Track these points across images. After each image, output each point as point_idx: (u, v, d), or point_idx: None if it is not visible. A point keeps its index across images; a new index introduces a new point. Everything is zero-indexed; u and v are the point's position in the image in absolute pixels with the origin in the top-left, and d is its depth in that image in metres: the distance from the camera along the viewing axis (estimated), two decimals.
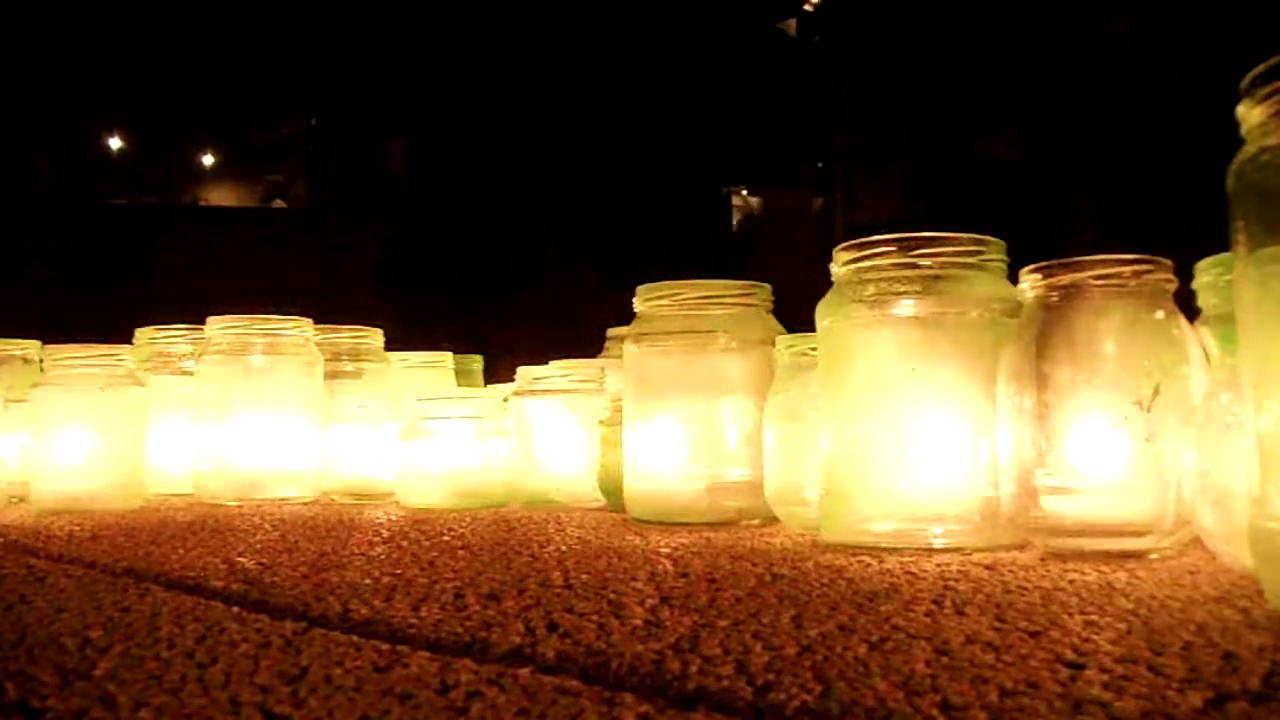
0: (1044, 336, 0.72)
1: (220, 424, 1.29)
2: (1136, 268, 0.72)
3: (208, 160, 6.24)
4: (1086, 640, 0.46)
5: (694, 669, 0.43)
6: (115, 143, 5.67)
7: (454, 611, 0.56)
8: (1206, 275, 0.70)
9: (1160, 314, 0.71)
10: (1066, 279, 0.73)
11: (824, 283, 0.84)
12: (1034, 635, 0.47)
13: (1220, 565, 0.65)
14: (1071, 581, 0.62)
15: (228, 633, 0.52)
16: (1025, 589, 0.60)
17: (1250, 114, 0.51)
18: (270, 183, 5.92)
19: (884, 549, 0.76)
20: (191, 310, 1.42)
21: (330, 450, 1.32)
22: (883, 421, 0.78)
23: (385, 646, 0.48)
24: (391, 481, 1.26)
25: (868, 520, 0.78)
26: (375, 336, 1.49)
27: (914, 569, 0.68)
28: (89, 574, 0.73)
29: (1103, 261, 0.72)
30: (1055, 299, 0.73)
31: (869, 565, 0.70)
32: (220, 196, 6.13)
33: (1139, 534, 0.69)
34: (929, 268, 0.78)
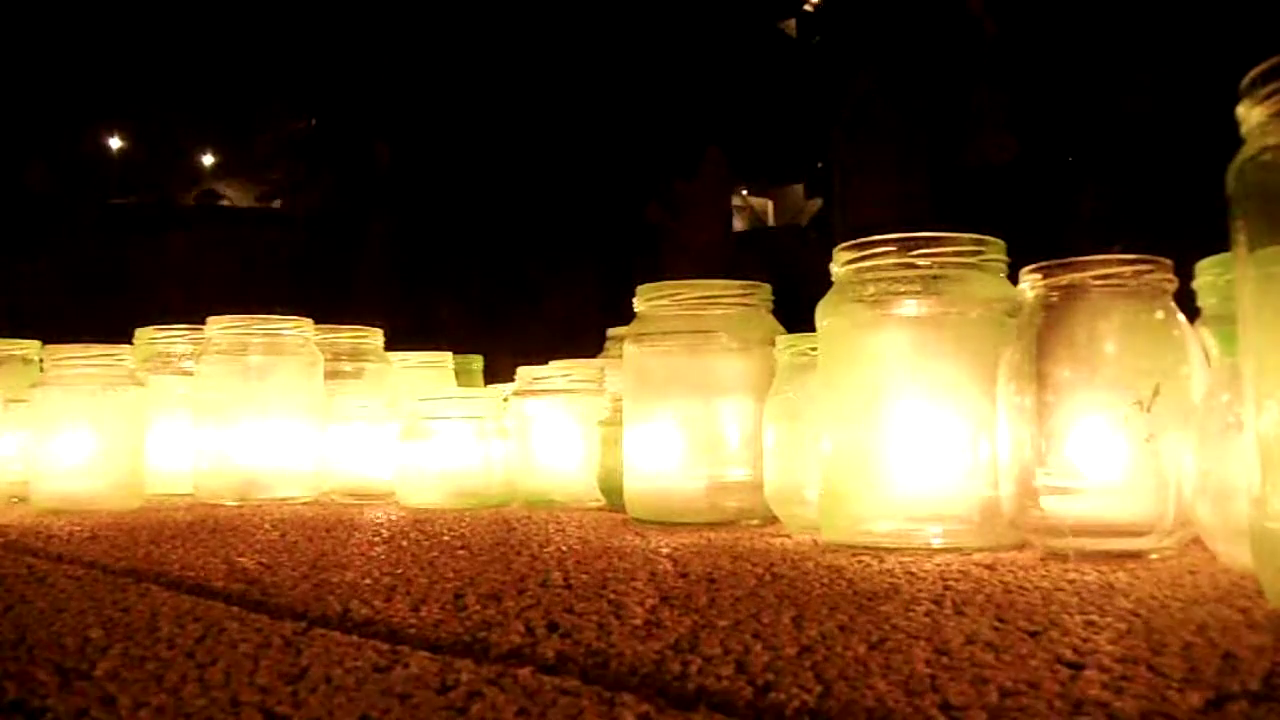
0: (1044, 336, 0.72)
1: (220, 424, 1.29)
2: (1136, 268, 0.72)
3: (207, 160, 6.24)
4: (1086, 640, 0.46)
5: (694, 669, 0.43)
6: (115, 143, 5.67)
7: (454, 611, 0.56)
8: (1206, 275, 0.70)
9: (1160, 314, 0.71)
10: (1066, 279, 0.73)
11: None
12: (1034, 635, 0.47)
13: (1220, 565, 0.65)
14: (1071, 581, 0.62)
15: (228, 633, 0.52)
16: (1025, 589, 0.60)
17: (1250, 114, 0.51)
18: (270, 183, 5.92)
19: (884, 549, 0.76)
20: (191, 310, 1.42)
21: (330, 450, 1.32)
22: (883, 421, 0.78)
23: (385, 646, 0.48)
24: (391, 481, 1.26)
25: (868, 520, 0.78)
26: (375, 336, 1.49)
27: (914, 569, 0.68)
28: (89, 574, 0.73)
29: (1103, 261, 0.72)
30: (1055, 299, 0.73)
31: (869, 565, 0.70)
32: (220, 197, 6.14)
33: (1139, 534, 0.69)
34: (929, 268, 0.78)
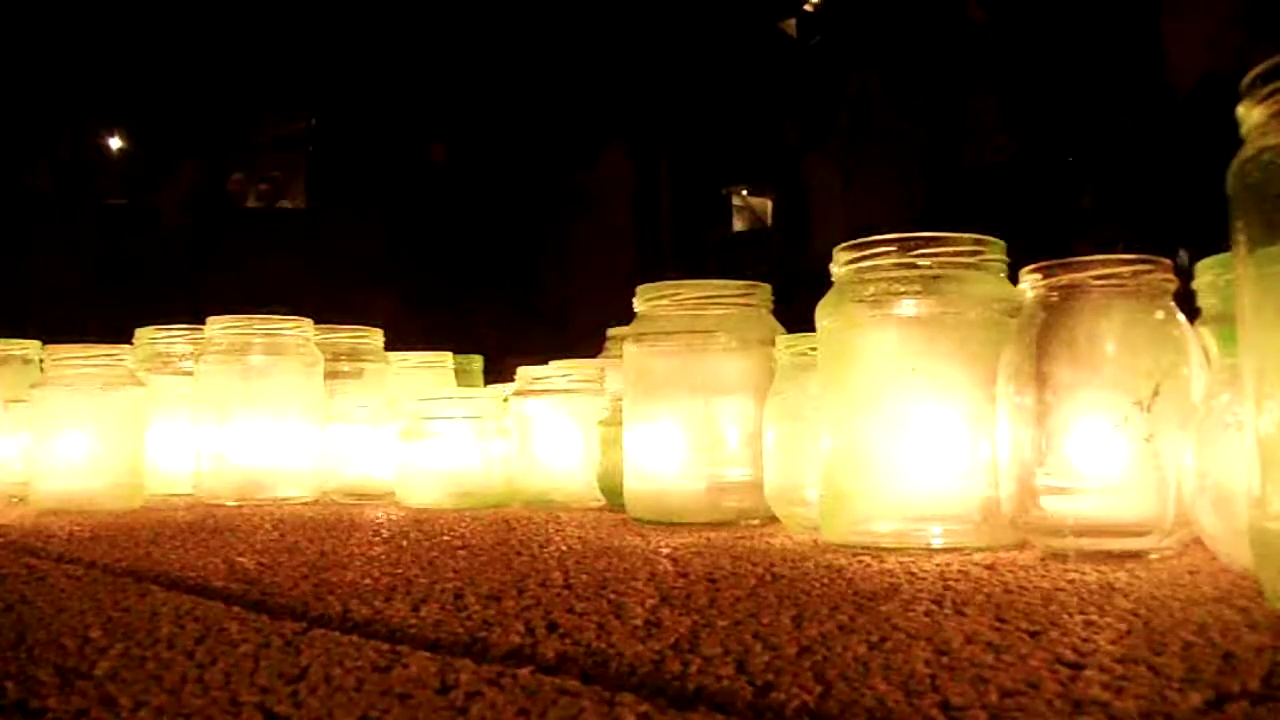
0: (1044, 336, 0.72)
1: (220, 424, 1.29)
2: (1136, 268, 0.72)
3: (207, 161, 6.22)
4: (1086, 640, 0.46)
5: (694, 669, 0.43)
6: (115, 143, 5.66)
7: (454, 611, 0.56)
8: (1206, 275, 0.69)
9: (1160, 314, 0.71)
10: (1066, 279, 0.73)
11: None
12: (1034, 635, 0.47)
13: (1220, 565, 0.65)
14: (1071, 581, 0.62)
15: (228, 633, 0.52)
16: (1025, 589, 0.60)
17: (1250, 114, 0.51)
18: (270, 182, 5.91)
19: (884, 549, 0.76)
20: (192, 310, 1.42)
21: (330, 450, 1.32)
22: (883, 421, 0.78)
23: (385, 646, 0.48)
24: (391, 481, 1.26)
25: (868, 520, 0.78)
26: (375, 336, 1.49)
27: (914, 569, 0.68)
28: (89, 574, 0.73)
29: (1103, 261, 0.72)
30: (1055, 299, 0.73)
31: (869, 565, 0.70)
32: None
33: (1139, 534, 0.69)
34: (929, 268, 0.78)
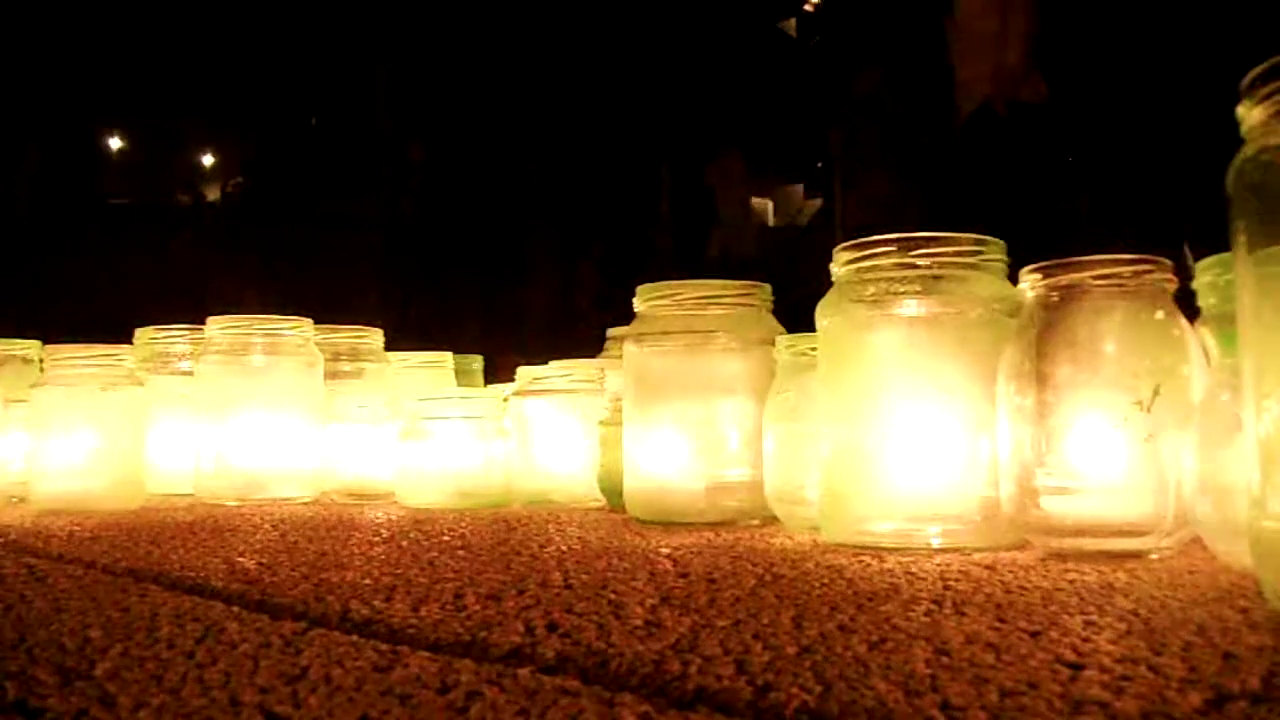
0: (1044, 336, 0.72)
1: (220, 424, 1.29)
2: (1136, 268, 0.72)
3: (208, 160, 6.24)
4: (1086, 640, 0.46)
5: (694, 669, 0.43)
6: (115, 143, 5.67)
7: (454, 611, 0.56)
8: (1206, 275, 0.70)
9: (1160, 314, 0.71)
10: (1066, 279, 0.73)
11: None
12: (1034, 635, 0.47)
13: (1220, 565, 0.65)
14: (1071, 581, 0.62)
15: (228, 633, 0.52)
16: (1025, 589, 0.60)
17: (1250, 114, 0.51)
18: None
19: (884, 549, 0.76)
20: (192, 310, 1.42)
21: (330, 450, 1.32)
22: (883, 421, 0.78)
23: (385, 646, 0.48)
24: (391, 481, 1.26)
25: (868, 520, 0.78)
26: (375, 336, 1.49)
27: (914, 569, 0.68)
28: (89, 574, 0.73)
29: (1103, 261, 0.72)
30: (1055, 299, 0.73)
31: (869, 565, 0.70)
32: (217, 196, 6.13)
33: (1139, 534, 0.69)
34: (929, 268, 0.78)
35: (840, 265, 0.83)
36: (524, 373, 1.29)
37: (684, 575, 0.67)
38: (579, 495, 1.19)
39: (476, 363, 1.70)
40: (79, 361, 1.23)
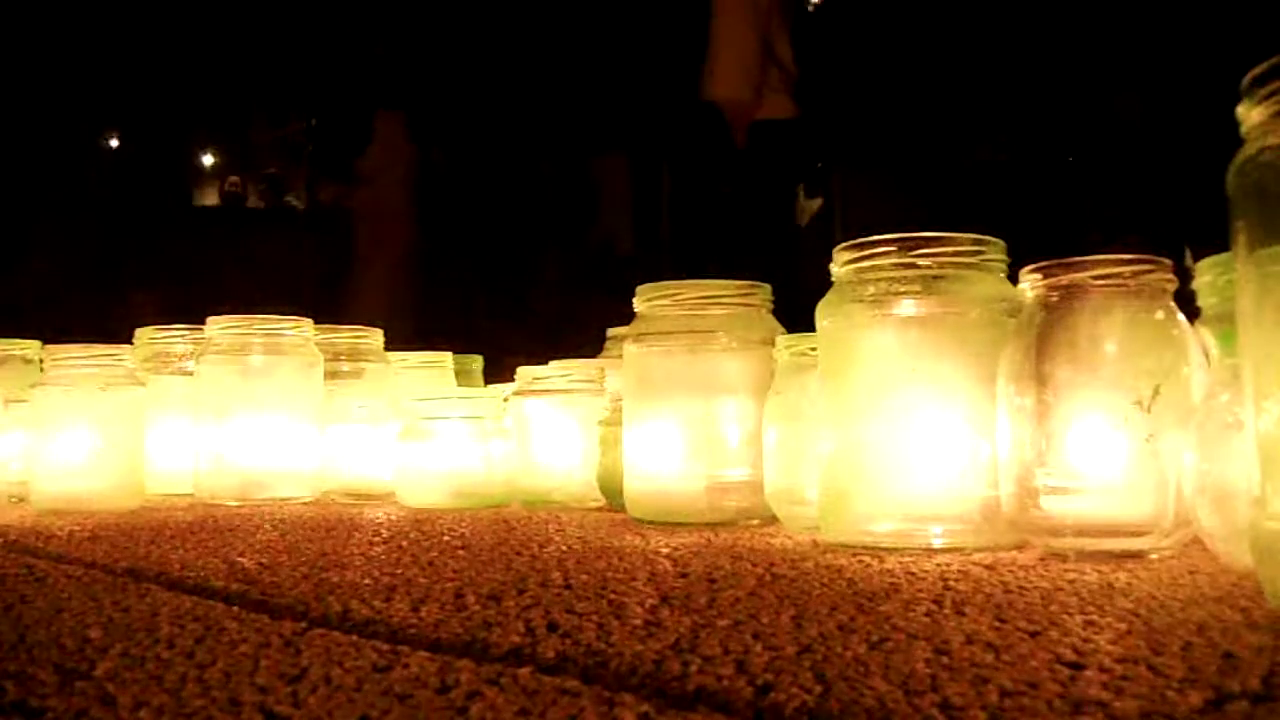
0: (1044, 336, 0.72)
1: (220, 424, 1.29)
2: (1136, 268, 0.72)
3: (208, 160, 6.25)
4: (1086, 640, 0.46)
5: (694, 669, 0.43)
6: (115, 143, 5.67)
7: (454, 611, 0.56)
8: (1206, 275, 0.70)
9: (1160, 314, 0.71)
10: (1066, 279, 0.73)
11: None
12: (1034, 635, 0.47)
13: (1220, 565, 0.65)
14: (1071, 581, 0.62)
15: (228, 633, 0.52)
16: (1025, 589, 0.60)
17: (1250, 114, 0.51)
18: (271, 182, 5.92)
19: (884, 549, 0.76)
20: (193, 310, 1.42)
21: (330, 450, 1.32)
22: (883, 421, 0.78)
23: (385, 646, 0.48)
24: (391, 481, 1.26)
25: (868, 520, 0.78)
26: (375, 336, 1.49)
27: (914, 569, 0.68)
28: (89, 574, 0.73)
29: (1103, 261, 0.72)
30: (1055, 299, 0.73)
31: (869, 565, 0.70)
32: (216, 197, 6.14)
33: (1139, 534, 0.69)
34: (929, 268, 0.78)
35: (840, 265, 0.83)
36: (524, 373, 1.29)
37: (684, 575, 0.67)
38: (579, 495, 1.19)
39: (476, 363, 1.70)
40: (79, 361, 1.23)
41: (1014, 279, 0.78)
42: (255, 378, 1.31)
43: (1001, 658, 0.43)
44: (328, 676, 0.43)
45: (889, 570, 0.68)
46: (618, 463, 1.05)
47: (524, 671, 0.43)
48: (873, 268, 0.80)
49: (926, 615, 0.53)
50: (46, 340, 1.39)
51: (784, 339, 0.95)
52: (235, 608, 0.59)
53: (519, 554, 0.79)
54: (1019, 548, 0.76)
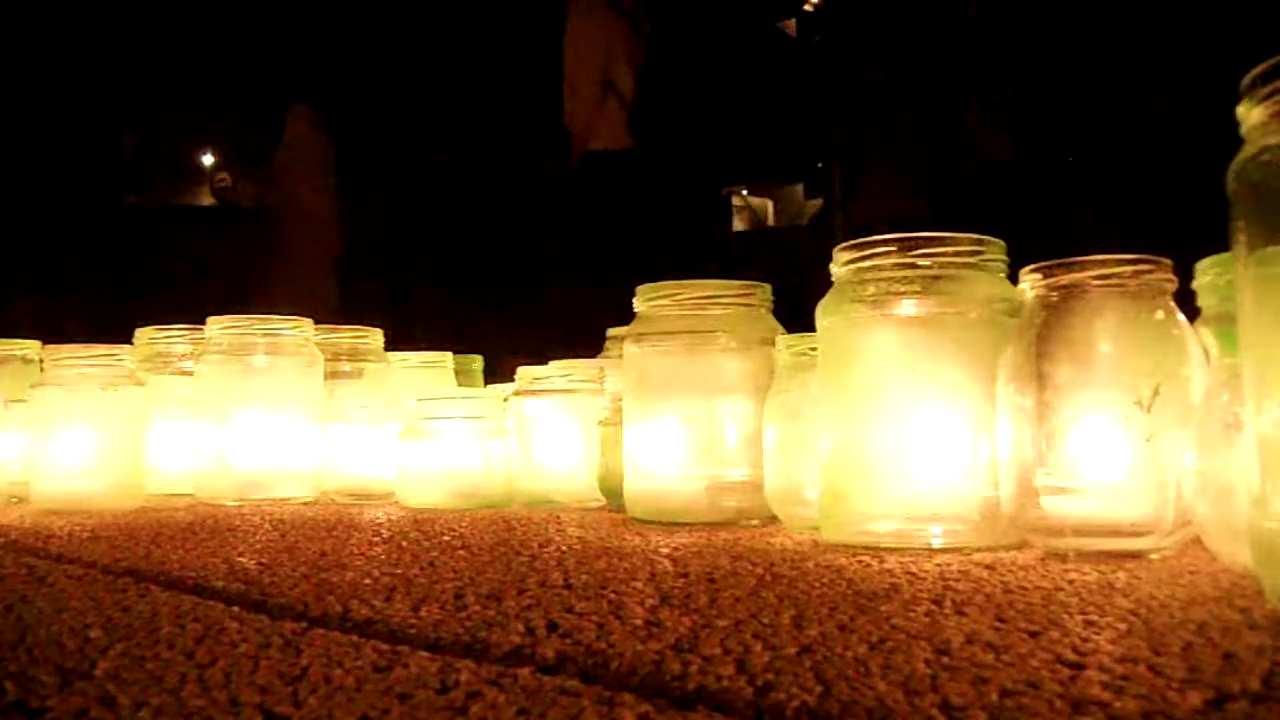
0: (1044, 336, 0.72)
1: (220, 424, 1.29)
2: (1136, 268, 0.72)
3: (208, 160, 6.24)
4: (1086, 640, 0.46)
5: (694, 669, 0.43)
6: (116, 143, 5.67)
7: (454, 611, 0.56)
8: (1206, 275, 0.70)
9: (1160, 314, 0.71)
10: (1066, 279, 0.73)
11: None
12: (1034, 635, 0.47)
13: (1220, 565, 0.65)
14: (1071, 581, 0.62)
15: (228, 633, 0.52)
16: (1025, 589, 0.60)
17: (1250, 114, 0.51)
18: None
19: (884, 549, 0.76)
20: (192, 310, 1.42)
21: (330, 450, 1.32)
22: (883, 421, 0.78)
23: (385, 646, 0.48)
24: (391, 481, 1.26)
25: (868, 520, 0.78)
26: (375, 336, 1.49)
27: (914, 569, 0.68)
28: (89, 574, 0.73)
29: (1103, 261, 0.72)
30: (1055, 299, 0.73)
31: (869, 565, 0.70)
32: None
33: (1139, 534, 0.69)
34: (929, 268, 0.78)
35: (840, 265, 0.83)
36: (524, 373, 1.29)
37: (684, 575, 0.67)
38: (579, 495, 1.19)
39: (476, 363, 1.70)
40: (79, 361, 1.23)
41: (1014, 279, 0.78)
42: (255, 378, 1.31)
43: (1001, 658, 0.43)
44: (328, 676, 0.43)
45: (889, 570, 0.68)
46: (618, 463, 1.05)
47: (524, 671, 0.43)
48: (873, 268, 0.80)
49: (926, 615, 0.53)
50: None
51: (784, 339, 0.95)
52: (235, 608, 0.59)
53: (519, 554, 0.79)
54: (1019, 548, 0.76)
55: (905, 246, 0.79)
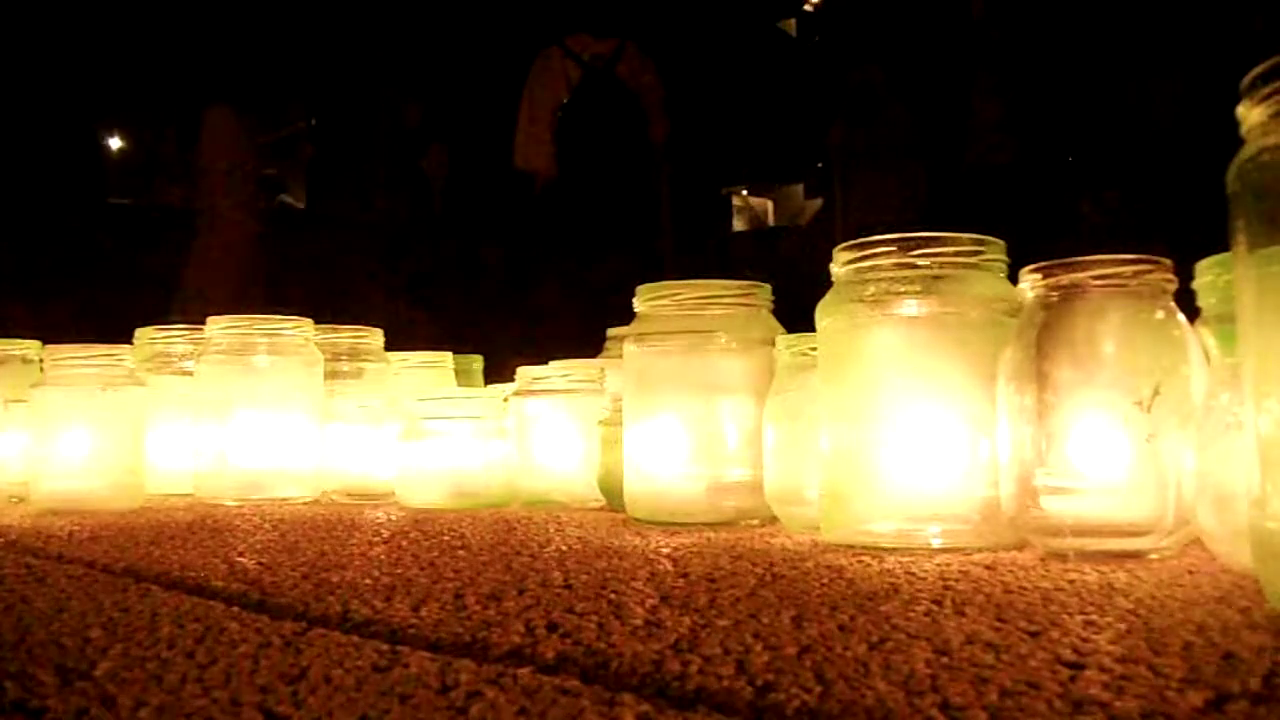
0: (1044, 336, 0.72)
1: (220, 424, 1.29)
2: (1136, 268, 0.72)
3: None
4: (1086, 640, 0.46)
5: (694, 669, 0.43)
6: (115, 143, 5.66)
7: (454, 611, 0.56)
8: (1206, 275, 0.70)
9: (1160, 314, 0.71)
10: (1067, 279, 0.73)
11: None
12: (1034, 635, 0.47)
13: (1220, 565, 0.65)
14: (1071, 581, 0.62)
15: (228, 633, 0.52)
16: (1025, 589, 0.60)
17: (1250, 114, 0.51)
18: (270, 181, 5.92)
19: (884, 549, 0.76)
20: (192, 310, 1.42)
21: (330, 450, 1.32)
22: (883, 421, 0.78)
23: (385, 646, 0.48)
24: (391, 481, 1.26)
25: (868, 520, 0.78)
26: (375, 336, 1.49)
27: (914, 569, 0.68)
28: (89, 574, 0.73)
29: (1103, 261, 0.72)
30: (1055, 299, 0.73)
31: (869, 565, 0.70)
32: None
33: (1139, 534, 0.69)
34: (929, 268, 0.78)
35: (840, 265, 0.83)
36: (524, 373, 1.28)
37: (684, 575, 0.67)
38: (579, 495, 1.19)
39: (476, 363, 1.70)
40: (79, 361, 1.23)
41: (1014, 279, 0.78)
42: (255, 378, 1.31)
43: (1001, 658, 0.43)
44: (328, 676, 0.43)
45: (889, 570, 0.68)
46: (618, 463, 1.05)
47: (524, 671, 0.43)
48: (873, 268, 0.80)
49: (926, 615, 0.53)
50: None
51: (784, 339, 0.95)
52: (235, 608, 0.59)
53: (519, 554, 0.79)
54: (1019, 548, 0.76)
55: (905, 246, 0.79)
